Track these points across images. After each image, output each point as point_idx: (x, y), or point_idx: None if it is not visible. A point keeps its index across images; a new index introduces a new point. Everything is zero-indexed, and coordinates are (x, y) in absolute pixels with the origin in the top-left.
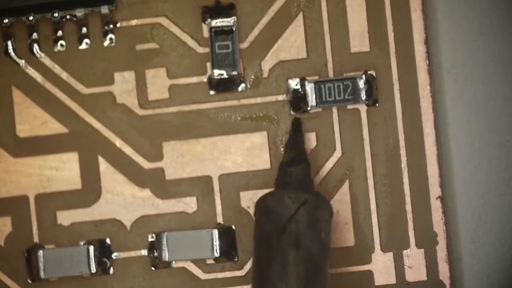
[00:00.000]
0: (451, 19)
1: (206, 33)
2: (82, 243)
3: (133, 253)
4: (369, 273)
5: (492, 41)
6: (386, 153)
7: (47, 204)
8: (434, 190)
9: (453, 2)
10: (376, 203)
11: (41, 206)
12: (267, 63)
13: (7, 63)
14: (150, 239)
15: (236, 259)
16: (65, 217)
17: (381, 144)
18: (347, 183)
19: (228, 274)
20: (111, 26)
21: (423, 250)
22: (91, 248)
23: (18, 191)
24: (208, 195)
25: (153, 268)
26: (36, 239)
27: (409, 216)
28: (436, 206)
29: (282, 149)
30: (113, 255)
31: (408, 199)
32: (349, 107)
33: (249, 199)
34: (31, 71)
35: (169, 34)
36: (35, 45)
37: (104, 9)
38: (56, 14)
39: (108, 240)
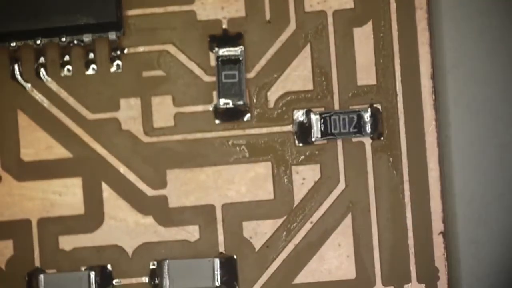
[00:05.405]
0: (459, 53)
1: (213, 62)
2: (83, 269)
3: (134, 280)
4: None
5: (492, 41)
6: (389, 187)
7: (50, 228)
8: (437, 225)
9: (460, 37)
10: (378, 237)
11: (43, 231)
12: (274, 94)
13: (13, 86)
14: (151, 267)
15: None
16: (67, 242)
17: (385, 178)
18: (350, 216)
19: None
20: (118, 52)
21: (424, 285)
22: (92, 274)
23: (21, 215)
24: (210, 224)
25: None
26: (37, 263)
27: (411, 250)
28: (438, 242)
29: (286, 180)
30: (114, 282)
31: (410, 233)
32: (354, 140)
33: (251, 229)
34: (37, 95)
35: (176, 62)
36: (42, 69)
37: (112, 35)
38: (63, 39)
39: (109, 267)
